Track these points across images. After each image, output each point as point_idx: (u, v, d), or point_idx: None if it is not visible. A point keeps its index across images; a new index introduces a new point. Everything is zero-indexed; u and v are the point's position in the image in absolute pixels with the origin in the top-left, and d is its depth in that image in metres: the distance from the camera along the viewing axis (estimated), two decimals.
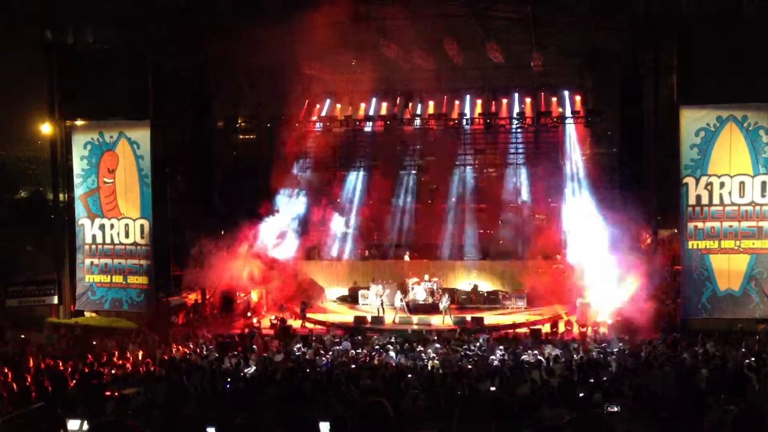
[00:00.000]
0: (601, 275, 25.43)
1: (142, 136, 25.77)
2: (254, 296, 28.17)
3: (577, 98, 28.92)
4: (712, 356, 17.68)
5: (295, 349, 20.50)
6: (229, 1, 25.58)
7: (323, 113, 31.31)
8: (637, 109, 25.70)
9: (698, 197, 23.21)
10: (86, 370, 16.17)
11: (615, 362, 17.53)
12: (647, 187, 25.42)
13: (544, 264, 28.96)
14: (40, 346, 19.80)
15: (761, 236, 22.96)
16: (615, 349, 20.00)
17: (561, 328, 24.41)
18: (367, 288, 28.67)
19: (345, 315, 27.36)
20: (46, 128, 27.55)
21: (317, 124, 31.17)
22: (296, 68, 29.49)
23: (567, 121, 28.78)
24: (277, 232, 29.92)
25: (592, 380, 15.12)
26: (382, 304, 27.11)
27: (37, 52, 26.80)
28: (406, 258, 30.24)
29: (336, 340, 22.18)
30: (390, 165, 32.54)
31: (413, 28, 26.77)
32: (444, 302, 26.38)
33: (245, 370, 17.04)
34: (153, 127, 25.77)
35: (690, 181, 23.26)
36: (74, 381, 14.76)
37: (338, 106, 31.37)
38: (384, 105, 30.83)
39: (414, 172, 32.51)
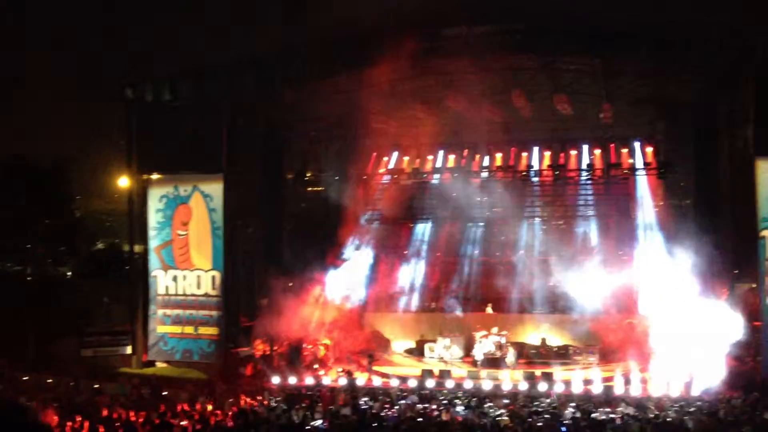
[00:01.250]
0: (677, 331, 24.65)
1: (215, 189, 26.43)
2: (321, 348, 28.21)
3: (649, 149, 28.43)
4: None
5: (361, 402, 20.34)
6: (301, 56, 26.23)
7: (390, 165, 31.56)
8: (712, 161, 25.14)
9: None
10: (157, 422, 16.37)
11: (692, 422, 16.87)
12: (723, 240, 24.68)
13: (616, 318, 28.25)
14: (113, 396, 20.16)
15: None
16: (692, 409, 19.22)
17: (635, 385, 23.59)
18: (435, 341, 28.43)
19: (412, 368, 27.10)
20: (124, 182, 28.53)
21: (385, 177, 31.40)
22: (364, 121, 29.95)
23: (638, 172, 28.25)
24: (344, 284, 30.05)
25: None
26: (449, 357, 26.81)
27: (117, 108, 27.94)
28: (489, 310, 29.91)
29: (403, 393, 21.94)
30: (457, 217, 32.46)
31: (480, 80, 26.98)
32: (510, 356, 25.95)
33: (312, 423, 17.01)
34: (226, 181, 26.41)
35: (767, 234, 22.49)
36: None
37: (405, 158, 31.60)
38: (451, 157, 30.90)
39: (482, 224, 32.34)
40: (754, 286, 24.06)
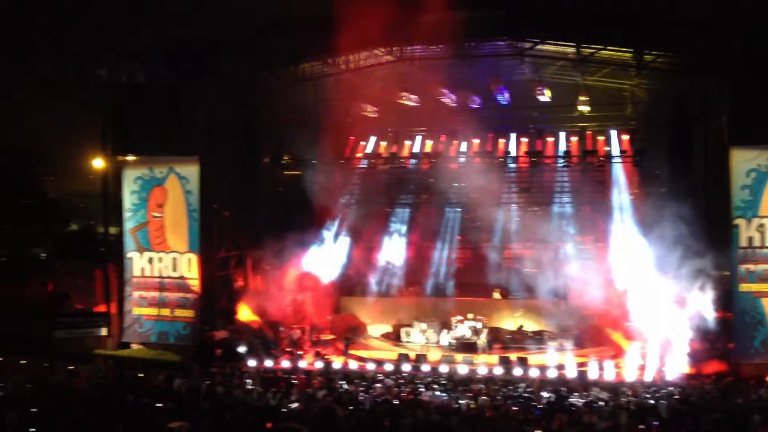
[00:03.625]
0: (650, 316, 24.98)
1: (191, 171, 26.27)
2: (297, 331, 28.22)
3: (625, 137, 28.66)
4: (765, 401, 17.19)
5: (337, 385, 20.43)
6: (276, 41, 26.08)
7: (368, 150, 31.52)
8: (687, 149, 25.41)
9: (750, 239, 22.80)
10: (133, 403, 16.32)
11: (664, 407, 17.13)
12: (697, 227, 24.97)
13: (590, 305, 28.52)
14: (88, 378, 20.05)
15: None
16: (664, 393, 19.53)
17: (609, 370, 23.88)
18: (411, 325, 28.58)
19: (388, 352, 27.22)
20: (98, 163, 28.27)
21: (362, 161, 31.37)
22: (342, 105, 29.88)
23: (614, 160, 28.49)
24: (321, 268, 30.05)
25: (641, 426, 14.83)
26: (425, 342, 26.99)
27: (91, 90, 27.63)
28: (496, 296, 30.08)
29: (379, 377, 22.05)
30: (434, 202, 32.55)
31: (458, 67, 27.03)
32: (482, 339, 26.21)
33: (288, 406, 17.05)
34: (202, 163, 26.25)
35: (741, 222, 22.87)
36: (121, 414, 14.90)
37: (383, 143, 31.57)
38: (429, 143, 30.94)
39: (458, 209, 32.43)
40: (726, 273, 24.40)
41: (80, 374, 20.44)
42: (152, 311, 26.55)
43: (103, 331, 26.79)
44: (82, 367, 21.90)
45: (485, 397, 18.56)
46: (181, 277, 26.24)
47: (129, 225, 26.92)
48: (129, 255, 26.86)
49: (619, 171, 29.00)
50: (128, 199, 27.00)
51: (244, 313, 27.94)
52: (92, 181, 32.96)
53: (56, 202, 36.13)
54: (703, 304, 23.99)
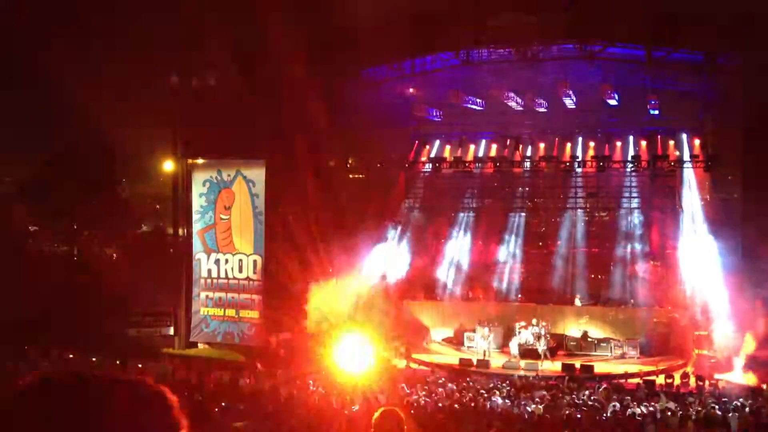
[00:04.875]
0: (722, 325, 24.30)
1: (258, 174, 26.69)
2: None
3: (696, 142, 27.94)
4: None
5: (398, 389, 20.41)
6: (343, 43, 26.30)
7: (432, 154, 31.50)
8: (760, 155, 24.58)
9: None
10: (200, 401, 16.65)
11: (735, 419, 16.62)
12: None
13: (659, 312, 27.92)
14: (156, 376, 20.54)
15: None
16: (735, 405, 18.93)
17: (677, 380, 23.30)
18: (473, 330, 28.40)
19: (450, 357, 27.12)
20: (169, 166, 28.97)
21: (426, 165, 31.36)
22: (407, 109, 29.97)
23: (685, 165, 27.80)
24: (384, 272, 30.15)
25: None
26: (488, 346, 26.82)
27: (163, 94, 28.32)
28: (577, 302, 29.58)
29: (440, 381, 21.98)
30: (499, 207, 32.34)
31: (524, 70, 26.79)
32: (542, 345, 25.88)
33: (351, 407, 17.13)
34: (268, 167, 26.63)
35: None
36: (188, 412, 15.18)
37: (448, 147, 31.51)
38: (494, 147, 30.75)
39: (523, 214, 32.13)
40: None
41: (148, 373, 20.93)
42: (218, 311, 27.04)
43: (171, 331, 27.42)
44: (149, 366, 22.45)
45: (548, 405, 18.32)
46: (247, 279, 26.66)
47: (197, 227, 27.50)
48: (197, 256, 27.43)
49: (690, 176, 28.30)
50: (197, 201, 27.59)
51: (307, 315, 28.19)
52: (163, 184, 33.74)
53: (129, 204, 37.09)
54: None
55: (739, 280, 23.83)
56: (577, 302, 29.49)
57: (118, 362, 22.12)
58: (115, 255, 36.25)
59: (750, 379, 21.89)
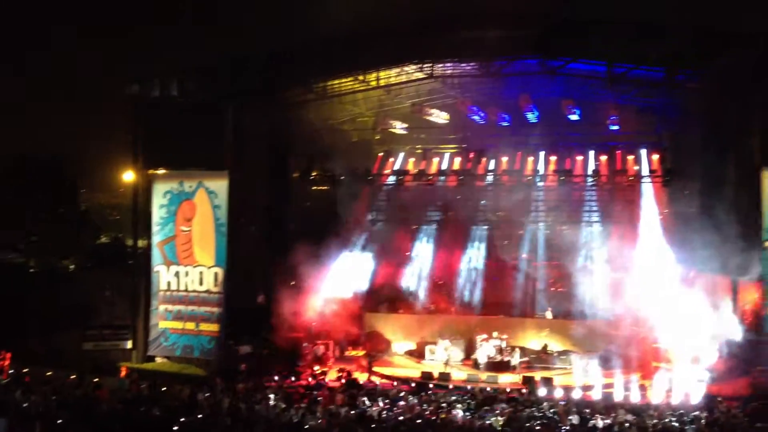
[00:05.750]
0: (679, 338, 24.62)
1: (220, 186, 26.44)
2: (321, 347, 28.21)
3: (655, 157, 28.40)
4: None
5: (360, 402, 20.32)
6: (307, 56, 26.28)
7: (396, 167, 31.55)
8: (717, 170, 25.05)
9: None
10: (157, 416, 16.38)
11: (693, 430, 16.83)
12: (727, 248, 24.58)
13: (618, 325, 28.19)
14: (113, 391, 20.16)
15: None
16: (692, 417, 19.17)
17: (635, 392, 23.54)
18: (435, 343, 28.43)
19: (412, 369, 27.09)
20: (129, 176, 28.59)
21: (390, 178, 31.40)
22: (371, 122, 30.02)
23: (643, 179, 28.24)
24: (346, 284, 30.03)
25: None
26: (449, 360, 26.85)
27: (124, 105, 27.99)
28: (548, 315, 29.75)
29: (402, 394, 21.92)
30: (461, 220, 32.49)
31: (488, 84, 27.00)
32: (515, 358, 26.05)
33: (310, 422, 16.99)
34: (231, 178, 26.41)
35: None
36: (145, 428, 14.96)
37: (411, 160, 31.59)
38: (457, 160, 30.90)
39: (486, 227, 32.31)
40: (757, 295, 23.98)
41: (105, 387, 20.54)
42: (177, 325, 26.67)
43: (129, 344, 26.98)
44: (106, 380, 22.03)
45: (509, 417, 18.36)
46: (207, 291, 26.36)
47: (157, 238, 27.13)
48: (156, 268, 27.05)
49: (648, 190, 28.71)
50: (157, 212, 27.23)
51: (270, 328, 27.98)
52: (123, 194, 33.35)
53: (87, 215, 36.56)
54: (731, 324, 23.66)
55: (695, 292, 24.18)
56: (548, 315, 29.72)
57: (73, 377, 21.68)
58: (72, 267, 35.66)
59: (706, 391, 22.16)
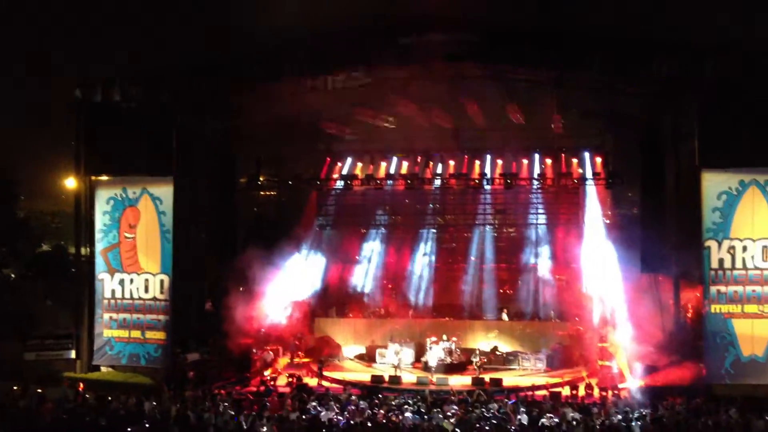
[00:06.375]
0: (622, 337, 25.14)
1: (165, 192, 26.05)
2: (271, 353, 28.03)
3: (598, 160, 28.97)
4: (735, 423, 17.30)
5: (310, 407, 20.26)
6: (253, 61, 26.11)
7: (344, 171, 31.55)
8: (658, 172, 25.69)
9: (721, 261, 23.01)
10: (104, 426, 16.09)
11: (639, 427, 17.19)
12: (669, 249, 25.23)
13: (564, 325, 28.74)
14: (57, 402, 19.72)
15: None
16: (637, 414, 19.59)
17: (581, 391, 23.97)
18: (385, 347, 28.51)
19: (362, 374, 27.11)
20: (71, 183, 28.01)
21: (338, 182, 31.39)
22: (318, 126, 29.95)
23: (587, 182, 28.79)
24: (296, 289, 29.91)
25: None
26: (399, 363, 26.98)
27: (65, 109, 27.39)
28: (504, 317, 30.01)
29: (352, 398, 21.91)
30: (409, 224, 32.68)
31: (434, 89, 27.19)
32: (477, 358, 26.35)
33: (260, 429, 16.89)
34: (176, 184, 26.06)
35: (712, 244, 23.08)
36: None
37: (359, 164, 31.63)
38: (405, 164, 31.05)
39: (434, 230, 32.53)
40: (698, 294, 24.64)
41: (48, 398, 20.09)
42: (123, 333, 26.17)
43: (73, 354, 26.40)
44: (50, 391, 21.55)
45: (459, 419, 18.51)
46: (153, 299, 25.95)
47: (100, 246, 26.59)
48: (100, 276, 26.51)
49: (592, 193, 29.27)
50: (100, 219, 26.69)
51: (218, 335, 27.72)
52: (64, 201, 32.63)
53: (27, 222, 35.64)
54: (674, 323, 24.28)
55: (639, 292, 24.74)
56: (504, 317, 30.05)
57: (15, 387, 21.16)
58: (12, 275, 34.77)
59: (651, 388, 22.66)
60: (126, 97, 26.53)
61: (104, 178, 26.98)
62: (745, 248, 22.90)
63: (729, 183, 23.05)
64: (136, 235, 26.27)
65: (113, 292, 26.34)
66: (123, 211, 26.41)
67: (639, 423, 17.83)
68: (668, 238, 25.32)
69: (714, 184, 23.15)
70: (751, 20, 23.55)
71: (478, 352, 27.09)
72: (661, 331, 24.24)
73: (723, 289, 22.99)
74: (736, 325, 22.87)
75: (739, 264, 22.93)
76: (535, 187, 30.07)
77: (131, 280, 26.19)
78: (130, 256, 26.25)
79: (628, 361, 24.52)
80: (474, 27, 24.79)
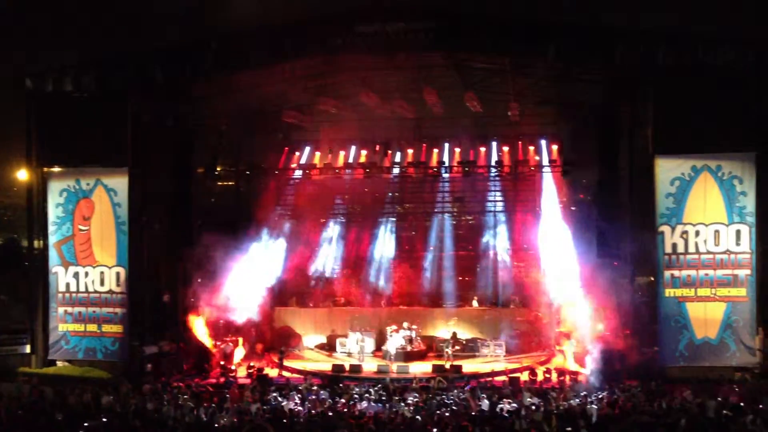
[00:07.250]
0: (579, 322, 25.49)
1: (120, 183, 25.67)
2: (230, 344, 27.84)
3: (554, 147, 29.25)
4: (689, 405, 17.65)
5: (271, 398, 20.19)
6: (210, 50, 25.77)
7: (303, 161, 31.39)
8: (613, 159, 26.04)
9: (674, 245, 23.47)
10: (60, 422, 15.84)
11: (595, 410, 17.44)
12: (624, 234, 25.64)
13: (522, 311, 29.05)
14: (12, 398, 19.35)
15: (737, 284, 23.19)
16: (593, 397, 19.91)
17: (540, 376, 24.28)
18: (346, 336, 28.53)
19: (323, 363, 27.09)
20: (23, 175, 27.42)
21: (296, 172, 31.23)
22: (276, 116, 29.72)
23: (544, 169, 29.06)
24: (255, 280, 29.73)
25: (569, 429, 15.07)
26: (360, 351, 27.01)
27: (16, 100, 26.79)
28: (475, 304, 30.29)
29: (313, 388, 21.89)
30: (369, 213, 32.68)
31: (392, 77, 27.17)
32: (449, 347, 26.49)
33: (220, 421, 16.77)
34: (131, 175, 25.67)
35: (666, 229, 23.53)
36: None
37: (317, 153, 31.49)
38: (363, 153, 30.99)
39: (393, 219, 32.59)
40: (652, 279, 25.10)
41: (3, 394, 19.70)
42: (79, 327, 25.77)
43: (28, 349, 25.92)
44: (4, 386, 21.15)
45: (419, 406, 18.60)
46: (109, 292, 25.59)
47: (54, 239, 26.11)
48: (54, 270, 26.05)
49: (549, 180, 29.55)
50: (53, 211, 26.18)
51: (176, 327, 27.46)
52: (17, 194, 31.94)
53: None
54: (629, 307, 24.68)
55: (594, 276, 25.09)
56: (474, 303, 30.25)
57: None
58: None
59: (607, 372, 23.02)
60: (78, 87, 26.02)
61: (57, 169, 26.45)
62: (697, 233, 23.38)
63: (682, 169, 23.48)
64: (91, 227, 25.86)
65: (68, 285, 25.91)
66: (77, 203, 25.96)
67: (595, 407, 18.10)
68: (624, 223, 25.75)
69: (667, 170, 23.57)
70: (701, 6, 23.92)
71: (451, 341, 27.23)
72: (616, 316, 24.62)
73: (677, 273, 23.47)
74: (689, 308, 23.38)
75: (692, 248, 23.41)
76: (492, 174, 30.25)
77: (86, 273, 25.79)
78: (85, 248, 25.83)
79: (584, 346, 24.87)
80: (431, 14, 24.80)
